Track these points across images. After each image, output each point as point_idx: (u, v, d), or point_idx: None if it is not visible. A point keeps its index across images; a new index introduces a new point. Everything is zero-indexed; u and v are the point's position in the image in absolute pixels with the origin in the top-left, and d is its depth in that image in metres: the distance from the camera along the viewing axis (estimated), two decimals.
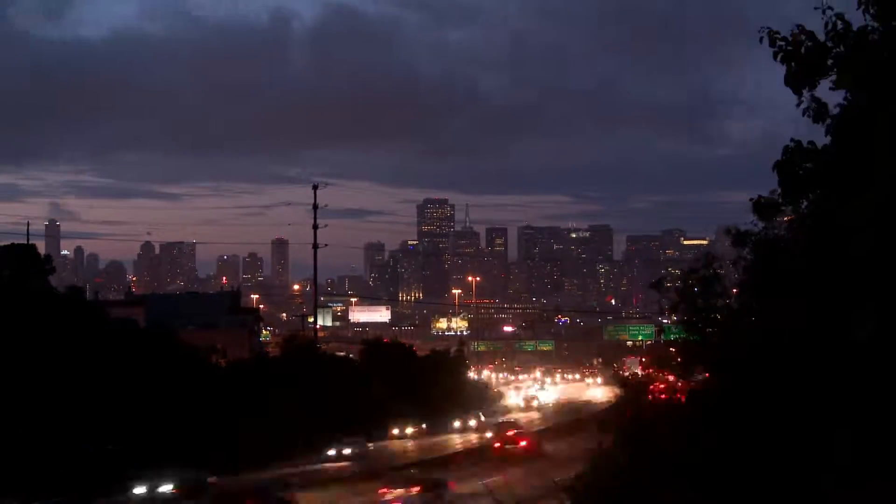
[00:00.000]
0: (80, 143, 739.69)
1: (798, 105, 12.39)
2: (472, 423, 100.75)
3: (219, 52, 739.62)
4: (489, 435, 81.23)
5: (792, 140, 12.85)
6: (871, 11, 11.94)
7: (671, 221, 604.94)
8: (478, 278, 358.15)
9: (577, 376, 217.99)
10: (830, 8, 12.06)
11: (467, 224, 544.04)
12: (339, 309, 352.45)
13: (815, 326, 12.76)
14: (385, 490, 45.79)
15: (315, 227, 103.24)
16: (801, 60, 12.26)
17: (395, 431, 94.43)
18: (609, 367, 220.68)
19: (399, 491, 45.06)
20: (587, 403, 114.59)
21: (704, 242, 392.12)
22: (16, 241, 70.71)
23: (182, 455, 57.20)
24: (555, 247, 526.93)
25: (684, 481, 17.05)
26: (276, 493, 45.16)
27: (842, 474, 12.36)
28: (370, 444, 78.26)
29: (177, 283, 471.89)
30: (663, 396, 22.96)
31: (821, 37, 12.21)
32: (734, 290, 18.98)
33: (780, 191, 13.34)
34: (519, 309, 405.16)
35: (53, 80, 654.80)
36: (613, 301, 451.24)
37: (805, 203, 13.73)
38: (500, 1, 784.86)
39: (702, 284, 19.12)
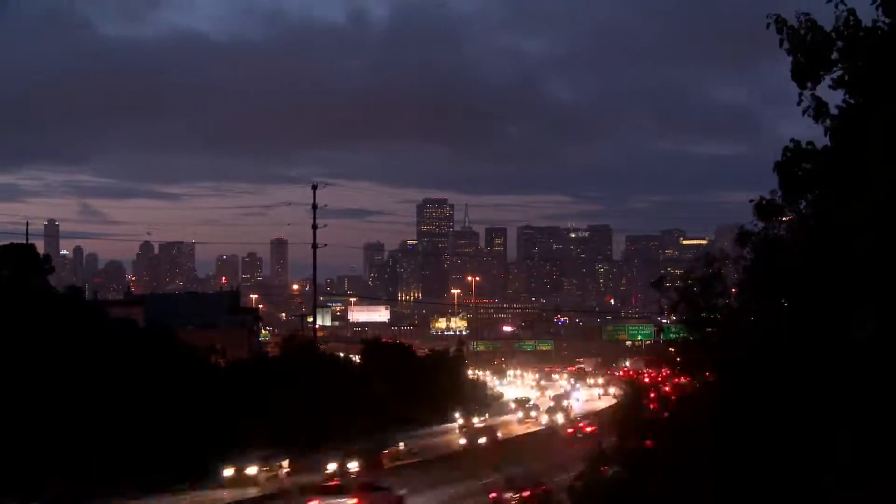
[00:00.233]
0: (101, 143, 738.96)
1: (799, 104, 12.39)
2: (457, 424, 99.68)
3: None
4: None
5: (792, 141, 12.86)
6: (881, 6, 11.92)
7: (671, 221, 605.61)
8: (477, 278, 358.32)
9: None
10: (843, 2, 12.03)
11: (466, 224, 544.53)
12: (338, 309, 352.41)
13: (815, 326, 12.76)
14: (316, 500, 44.39)
15: (314, 227, 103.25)
16: (807, 51, 12.20)
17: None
18: (604, 368, 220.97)
19: (334, 501, 43.69)
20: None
21: (704, 242, 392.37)
22: (15, 241, 70.81)
23: (181, 455, 57.29)
24: (554, 247, 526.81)
25: (685, 481, 17.06)
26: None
27: (842, 474, 12.37)
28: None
29: (176, 283, 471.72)
30: (669, 393, 22.96)
31: (828, 30, 12.18)
32: (734, 290, 18.97)
33: (780, 191, 13.36)
34: (518, 309, 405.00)
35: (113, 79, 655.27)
36: (613, 301, 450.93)
37: (805, 203, 13.73)
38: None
39: (702, 284, 19.11)
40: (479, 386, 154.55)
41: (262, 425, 69.50)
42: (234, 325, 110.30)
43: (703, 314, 18.98)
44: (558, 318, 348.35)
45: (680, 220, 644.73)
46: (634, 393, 24.07)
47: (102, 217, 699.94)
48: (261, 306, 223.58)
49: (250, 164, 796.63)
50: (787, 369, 13.51)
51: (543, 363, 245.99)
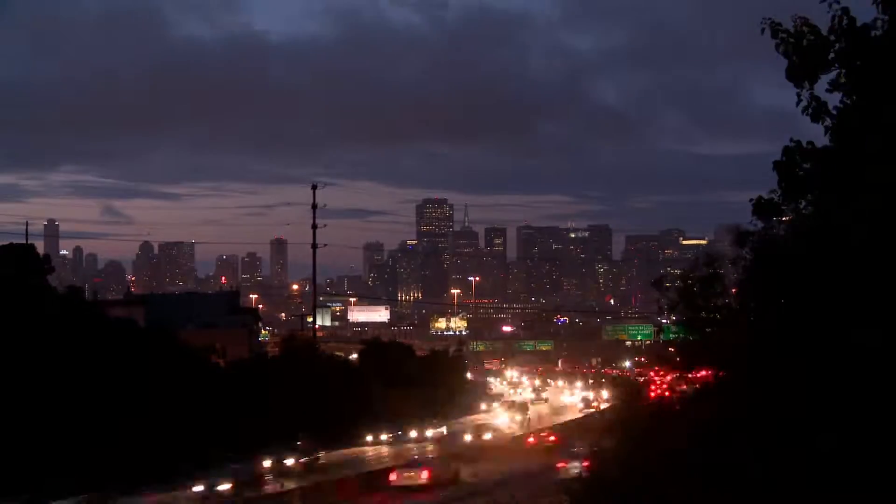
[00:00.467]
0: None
1: (797, 104, 12.38)
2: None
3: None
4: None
5: (791, 140, 12.85)
6: (880, 3, 11.90)
7: (672, 221, 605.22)
8: (477, 278, 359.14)
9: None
10: (837, 1, 12.02)
11: (466, 224, 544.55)
12: (338, 309, 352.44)
13: (814, 326, 12.75)
14: None
15: (314, 226, 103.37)
16: (803, 53, 12.19)
17: (370, 438, 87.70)
18: (604, 367, 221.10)
19: None
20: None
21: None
22: (15, 242, 70.87)
23: (181, 455, 57.28)
24: (554, 247, 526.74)
25: (684, 481, 17.04)
26: None
27: (842, 474, 12.35)
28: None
29: (176, 283, 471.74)
30: (667, 393, 22.96)
31: (825, 32, 12.17)
32: (734, 290, 18.97)
33: (779, 191, 13.34)
34: (518, 309, 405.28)
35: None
36: (612, 301, 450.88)
37: (804, 203, 13.72)
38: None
39: (701, 284, 19.11)
40: (480, 386, 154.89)
41: (261, 425, 69.59)
42: (234, 325, 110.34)
43: (703, 314, 18.99)
44: (558, 318, 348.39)
45: (680, 220, 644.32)
46: (631, 393, 24.06)
47: (126, 218, 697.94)
48: (261, 306, 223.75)
49: (250, 164, 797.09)
50: (786, 369, 13.50)
51: (544, 363, 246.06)
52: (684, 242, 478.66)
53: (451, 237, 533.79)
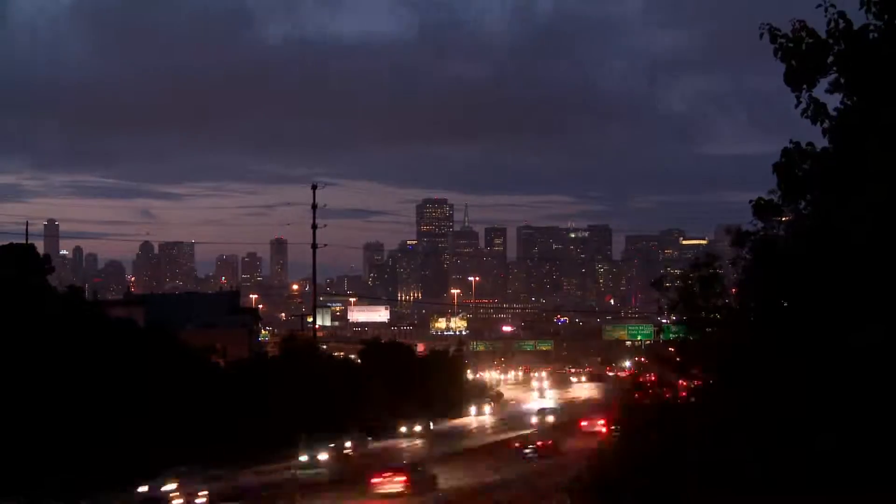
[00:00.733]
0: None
1: (796, 106, 12.40)
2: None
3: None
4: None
5: (791, 142, 12.88)
6: (873, 10, 11.95)
7: (672, 221, 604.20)
8: (477, 278, 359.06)
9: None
10: (833, 6, 12.06)
11: (466, 224, 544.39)
12: (338, 309, 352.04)
13: (814, 326, 12.78)
14: None
15: (314, 226, 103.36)
16: (802, 58, 12.23)
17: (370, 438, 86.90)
18: (603, 367, 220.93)
19: None
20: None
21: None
22: (15, 242, 70.89)
23: (181, 454, 57.22)
24: (554, 247, 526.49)
25: (684, 480, 17.09)
26: None
27: (840, 473, 12.39)
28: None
29: (176, 282, 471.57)
30: (666, 395, 22.99)
31: (822, 35, 12.20)
32: (733, 290, 19.01)
33: (779, 192, 13.38)
34: (518, 309, 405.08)
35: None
36: (612, 301, 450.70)
37: (803, 204, 13.76)
38: None
39: (701, 284, 19.15)
40: (480, 386, 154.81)
41: (261, 425, 69.66)
42: (234, 325, 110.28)
43: (703, 314, 19.03)
44: (558, 318, 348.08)
45: (680, 220, 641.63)
46: (630, 393, 24.10)
47: (156, 220, 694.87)
48: (261, 306, 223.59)
49: (251, 164, 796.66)
50: (785, 369, 13.54)
51: (544, 363, 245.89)
52: (684, 242, 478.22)
53: (451, 237, 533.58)
